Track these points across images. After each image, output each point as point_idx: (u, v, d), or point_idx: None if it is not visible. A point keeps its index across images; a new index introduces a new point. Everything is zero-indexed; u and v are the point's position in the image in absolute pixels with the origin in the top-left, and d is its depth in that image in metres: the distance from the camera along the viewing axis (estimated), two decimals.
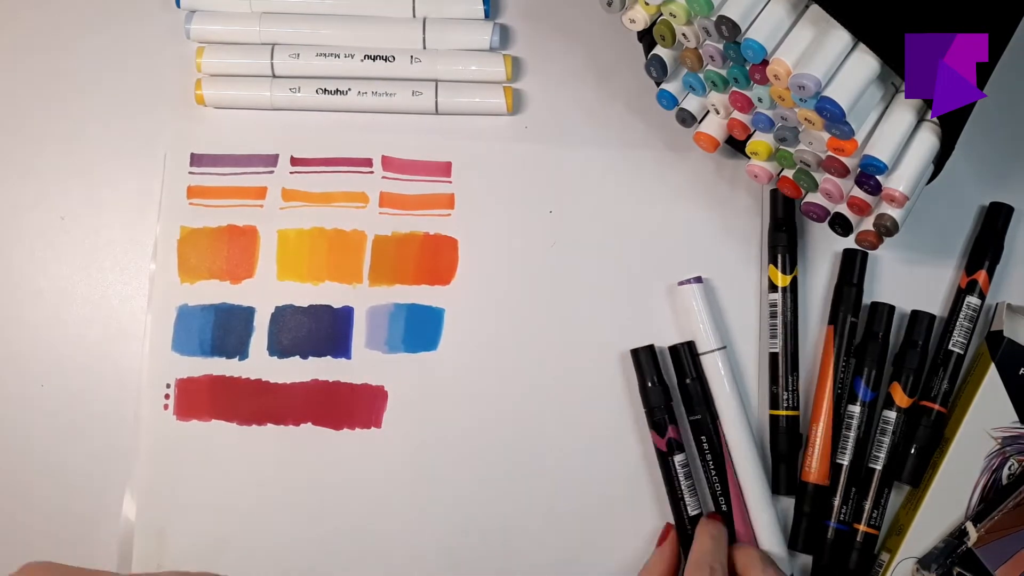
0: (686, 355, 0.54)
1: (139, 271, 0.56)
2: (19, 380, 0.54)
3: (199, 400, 0.54)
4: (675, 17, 0.47)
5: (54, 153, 0.56)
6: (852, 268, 0.55)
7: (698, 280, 0.54)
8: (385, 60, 0.56)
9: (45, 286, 0.55)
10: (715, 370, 0.54)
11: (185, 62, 0.57)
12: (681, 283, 0.55)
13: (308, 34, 0.56)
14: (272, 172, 0.56)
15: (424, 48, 0.56)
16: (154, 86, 0.57)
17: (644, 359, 0.54)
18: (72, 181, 0.56)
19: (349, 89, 0.56)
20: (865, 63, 0.44)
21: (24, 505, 0.54)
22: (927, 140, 0.46)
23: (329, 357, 0.55)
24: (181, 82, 0.57)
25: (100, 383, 0.54)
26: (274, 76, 0.56)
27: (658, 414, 0.53)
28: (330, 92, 0.56)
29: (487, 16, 0.57)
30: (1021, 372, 0.53)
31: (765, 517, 0.53)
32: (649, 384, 0.54)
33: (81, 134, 0.57)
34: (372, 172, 0.57)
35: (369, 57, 0.56)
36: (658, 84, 0.53)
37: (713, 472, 0.53)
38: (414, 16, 0.57)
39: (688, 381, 0.54)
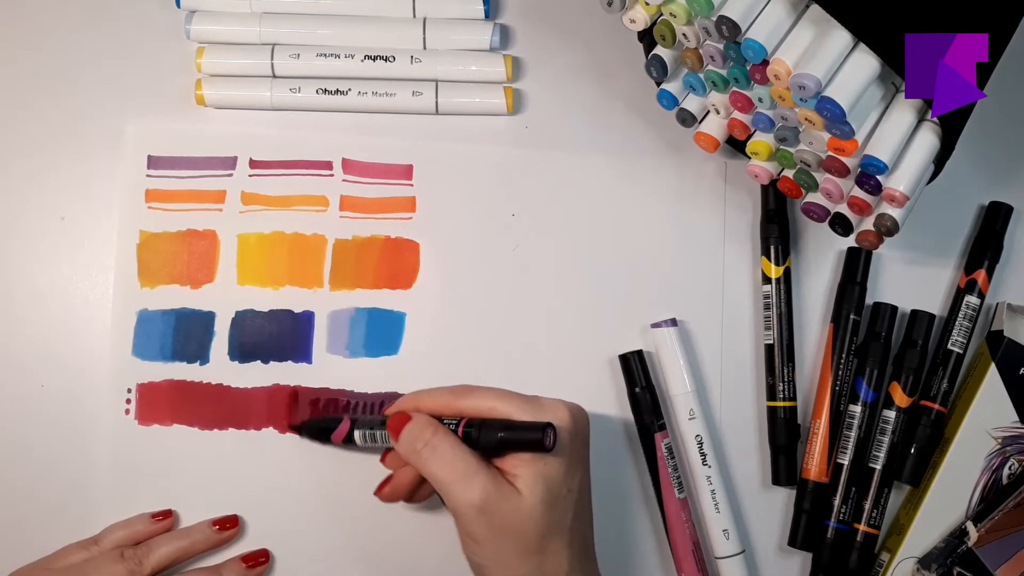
0: (636, 364, 0.54)
1: None
2: (19, 380, 0.54)
3: (160, 405, 0.54)
4: (675, 17, 0.47)
5: (54, 153, 0.56)
6: (856, 266, 0.55)
7: (673, 323, 0.54)
8: (385, 60, 0.56)
9: (45, 286, 0.55)
10: (683, 413, 0.53)
11: (185, 62, 0.57)
12: (654, 325, 0.54)
13: (308, 34, 0.56)
14: (231, 175, 0.56)
15: (424, 48, 0.56)
16: (154, 86, 0.57)
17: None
18: (72, 181, 0.56)
19: (349, 89, 0.56)
20: (865, 63, 0.44)
21: (24, 505, 0.53)
22: (927, 140, 0.46)
23: (290, 362, 0.54)
24: (181, 82, 0.57)
25: (100, 383, 0.54)
26: (274, 76, 0.56)
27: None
28: (330, 92, 0.56)
29: (487, 16, 0.57)
30: (1021, 372, 0.53)
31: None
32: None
33: (81, 134, 0.56)
34: (332, 175, 0.56)
35: (369, 57, 0.56)
36: (658, 84, 0.53)
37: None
38: (414, 16, 0.57)
39: (637, 390, 0.54)
